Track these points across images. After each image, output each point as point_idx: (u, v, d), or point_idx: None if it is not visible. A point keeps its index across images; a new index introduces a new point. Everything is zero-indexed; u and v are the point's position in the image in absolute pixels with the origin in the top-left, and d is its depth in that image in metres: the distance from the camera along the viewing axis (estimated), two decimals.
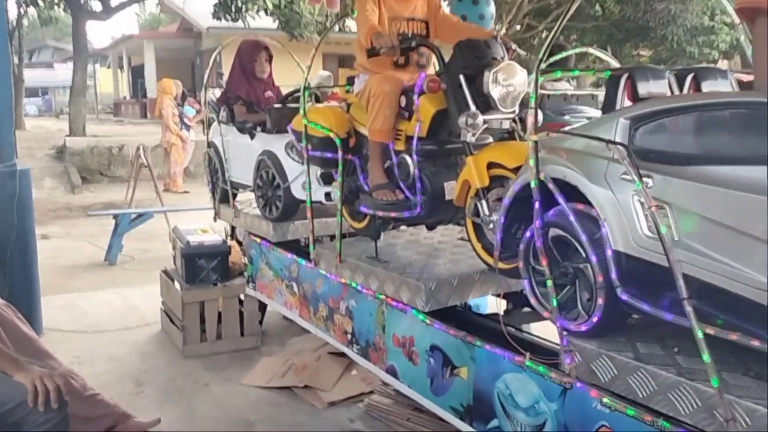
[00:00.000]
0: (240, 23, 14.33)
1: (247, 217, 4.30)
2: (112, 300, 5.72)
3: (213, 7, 14.17)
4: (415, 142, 2.82)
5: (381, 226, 3.24)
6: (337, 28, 16.06)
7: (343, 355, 3.72)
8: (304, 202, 3.63)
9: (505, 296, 3.12)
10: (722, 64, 24.23)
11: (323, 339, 3.68)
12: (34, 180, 4.98)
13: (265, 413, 3.71)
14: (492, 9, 4.18)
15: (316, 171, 3.49)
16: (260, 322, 4.74)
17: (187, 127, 11.68)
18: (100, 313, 5.38)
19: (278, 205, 3.92)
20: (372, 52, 2.82)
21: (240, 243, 4.81)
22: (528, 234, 2.22)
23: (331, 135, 3.21)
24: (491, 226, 2.52)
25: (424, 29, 3.19)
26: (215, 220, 4.86)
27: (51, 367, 2.82)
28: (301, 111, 3.31)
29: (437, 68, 2.89)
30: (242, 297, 4.60)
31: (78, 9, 15.05)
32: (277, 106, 4.21)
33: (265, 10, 13.94)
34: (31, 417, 2.21)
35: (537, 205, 2.10)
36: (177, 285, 4.66)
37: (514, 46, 2.87)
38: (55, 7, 15.97)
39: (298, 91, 4.24)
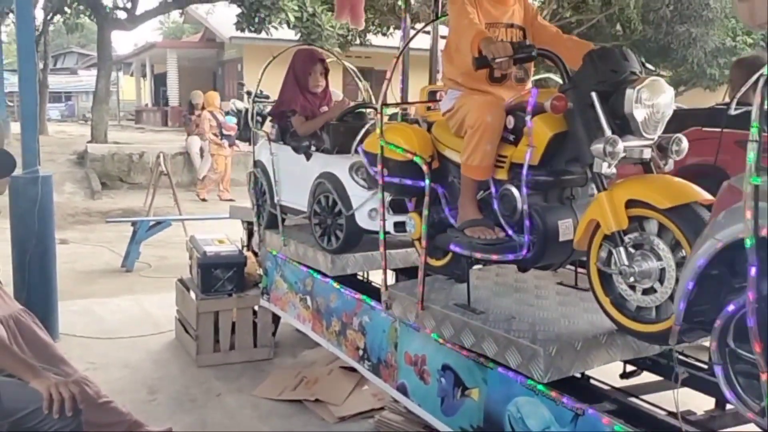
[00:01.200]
0: (262, 34, 14.49)
1: (299, 247, 3.91)
2: (127, 306, 5.77)
3: (236, 18, 14.33)
4: (524, 171, 2.40)
5: (469, 267, 2.79)
6: (358, 41, 16.19)
7: (355, 370, 3.73)
8: (368, 232, 3.44)
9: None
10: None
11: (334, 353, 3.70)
12: (54, 185, 5.05)
13: (276, 425, 3.72)
14: None
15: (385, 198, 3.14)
16: (273, 334, 4.76)
17: (227, 136, 11.96)
18: (115, 319, 5.43)
19: (338, 235, 3.57)
20: (481, 63, 2.40)
21: (256, 254, 4.84)
22: (731, 307, 1.72)
23: (415, 159, 2.78)
24: (632, 279, 2.13)
25: (522, 37, 2.83)
26: (260, 248, 4.44)
27: (66, 373, 2.86)
28: (378, 130, 2.88)
29: (531, 82, 2.70)
30: (256, 308, 4.62)
31: (103, 18, 15.26)
32: (335, 123, 3.91)
33: (288, 23, 14.08)
34: (45, 423, 2.24)
35: (753, 271, 1.56)
36: (192, 294, 4.70)
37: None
38: (81, 15, 16.18)
39: (360, 106, 4.15)
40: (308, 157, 3.90)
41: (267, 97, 7.86)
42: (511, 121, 2.52)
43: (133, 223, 7.30)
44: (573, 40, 2.80)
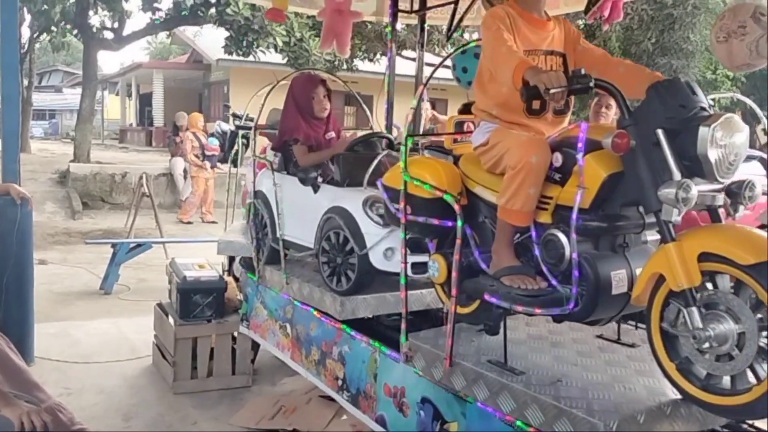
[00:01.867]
0: (250, 57, 14.55)
1: (303, 286, 3.63)
2: (105, 330, 5.69)
3: (225, 41, 14.39)
4: (573, 215, 2.15)
5: (503, 318, 2.53)
6: (345, 66, 16.29)
7: (333, 399, 3.69)
8: (383, 273, 3.21)
9: None
10: None
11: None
12: (35, 204, 5.00)
13: None
14: None
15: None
16: (252, 361, 4.71)
17: (209, 158, 11.90)
18: (92, 342, 5.34)
19: (350, 276, 3.30)
20: (531, 94, 2.16)
21: (236, 279, 4.80)
22: None
23: (446, 197, 2.54)
24: (706, 344, 1.90)
25: (561, 65, 2.60)
26: (258, 284, 4.16)
27: (40, 399, 2.80)
28: (402, 163, 2.65)
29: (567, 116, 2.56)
30: (236, 334, 4.57)
31: (90, 38, 15.26)
32: (345, 153, 3.71)
33: (275, 47, 14.15)
34: None
35: None
36: (170, 319, 4.64)
37: None
38: (68, 34, 16.17)
39: (374, 134, 3.98)
40: (316, 189, 3.63)
41: (252, 119, 7.90)
42: (558, 159, 2.27)
43: (113, 245, 7.23)
44: (625, 65, 2.51)
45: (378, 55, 15.29)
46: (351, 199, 3.35)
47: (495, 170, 2.51)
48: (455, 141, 3.02)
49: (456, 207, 2.54)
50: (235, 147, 6.39)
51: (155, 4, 14.31)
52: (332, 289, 3.39)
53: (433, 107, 6.14)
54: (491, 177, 2.54)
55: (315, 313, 3.54)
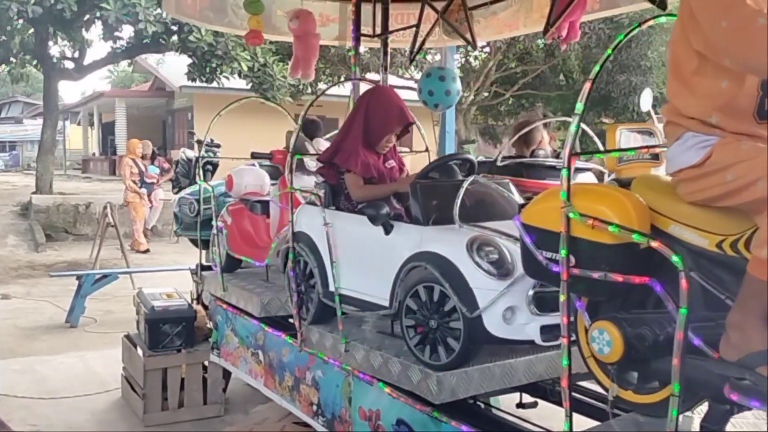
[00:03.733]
0: (213, 84, 14.52)
1: (373, 355, 2.85)
2: (72, 364, 5.57)
3: (187, 68, 14.34)
4: None
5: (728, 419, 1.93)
6: (309, 89, 16.36)
7: (307, 425, 3.66)
8: (501, 341, 2.47)
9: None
10: None
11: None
12: None
13: None
14: (458, 85, 4.26)
15: (525, 291, 2.39)
16: (224, 390, 4.65)
17: (147, 185, 11.74)
18: (59, 378, 5.23)
19: (452, 346, 2.50)
20: None
21: (206, 307, 4.75)
22: None
23: (634, 237, 1.83)
24: None
25: None
26: (300, 349, 3.36)
27: None
28: (563, 193, 1.93)
29: None
30: (206, 363, 4.52)
31: (50, 68, 15.09)
32: (423, 182, 2.95)
33: (239, 73, 14.15)
34: None
35: None
36: (139, 351, 4.57)
37: None
38: (27, 65, 15.97)
39: (453, 157, 3.35)
40: (389, 229, 2.83)
41: (218, 145, 7.86)
42: None
43: (78, 277, 7.09)
44: None
45: (342, 78, 15.40)
46: (448, 242, 2.58)
47: (719, 202, 1.81)
48: (620, 161, 2.29)
49: (666, 251, 1.77)
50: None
51: (116, 33, 14.21)
52: (423, 362, 2.60)
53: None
54: (701, 212, 1.87)
55: (286, 338, 3.51)
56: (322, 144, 4.73)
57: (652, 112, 3.36)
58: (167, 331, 4.43)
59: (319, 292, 3.17)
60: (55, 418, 4.43)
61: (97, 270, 7.98)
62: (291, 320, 3.53)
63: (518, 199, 2.89)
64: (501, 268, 2.46)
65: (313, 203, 3.29)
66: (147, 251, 11.39)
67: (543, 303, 2.41)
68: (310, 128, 5.03)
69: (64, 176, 23.46)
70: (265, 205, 4.27)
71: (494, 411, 3.05)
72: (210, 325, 4.53)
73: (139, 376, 4.46)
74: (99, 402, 4.77)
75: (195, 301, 5.05)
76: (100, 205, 11.35)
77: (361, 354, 2.93)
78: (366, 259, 2.97)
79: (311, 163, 3.90)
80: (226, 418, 4.49)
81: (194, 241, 5.76)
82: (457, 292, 2.46)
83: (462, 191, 2.66)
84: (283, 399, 3.58)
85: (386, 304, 2.81)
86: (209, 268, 4.66)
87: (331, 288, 3.09)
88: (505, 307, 2.42)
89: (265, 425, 4.19)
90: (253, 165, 4.79)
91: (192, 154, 11.61)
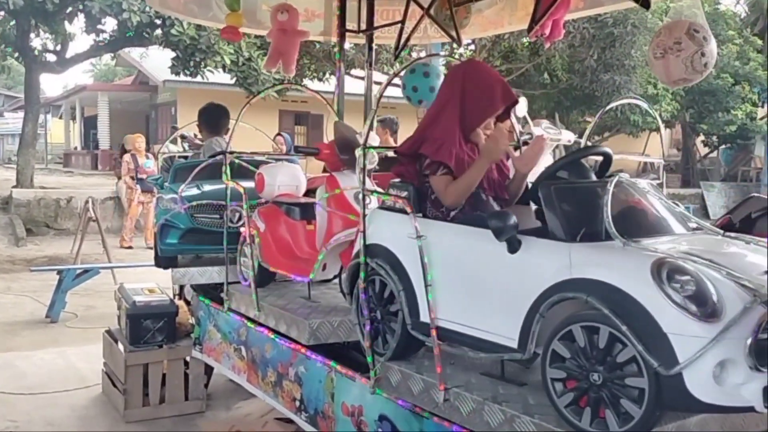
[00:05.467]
0: (197, 78, 14.43)
1: (491, 410, 2.20)
2: (52, 360, 5.52)
3: (171, 62, 14.23)
4: None
5: None
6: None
7: (290, 420, 3.65)
8: (706, 407, 1.84)
9: None
10: (665, 133, 25.31)
11: (270, 404, 3.61)
12: None
13: None
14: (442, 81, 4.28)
15: (742, 339, 1.78)
16: (206, 386, 4.63)
17: (140, 181, 11.64)
18: (39, 373, 5.18)
19: (630, 411, 1.86)
20: None
21: (188, 303, 4.73)
22: None
23: None
24: None
25: None
26: (372, 392, 2.70)
27: None
28: None
29: None
30: (188, 359, 4.50)
31: (32, 60, 14.90)
32: (548, 183, 2.24)
33: (223, 67, 14.06)
34: None
35: None
36: (120, 346, 4.54)
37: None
38: (8, 57, 15.77)
39: (588, 151, 2.70)
40: (515, 246, 2.16)
41: (201, 140, 7.80)
42: None
43: (59, 272, 7.04)
44: None
45: (327, 75, 15.36)
46: (619, 267, 1.94)
47: None
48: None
49: None
50: None
51: (99, 26, 14.05)
52: (577, 428, 1.98)
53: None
54: None
55: (269, 333, 3.51)
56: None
57: (528, 118, 3.47)
58: (149, 326, 4.41)
59: (406, 322, 2.50)
60: (35, 414, 4.40)
61: (79, 265, 7.92)
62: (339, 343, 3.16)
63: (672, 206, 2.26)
64: (704, 306, 1.80)
65: (389, 209, 2.68)
66: (130, 248, 11.32)
67: (762, 354, 1.80)
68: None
69: (46, 170, 23.22)
70: (305, 208, 3.63)
71: None
72: (192, 320, 4.51)
73: (120, 372, 4.43)
74: (79, 398, 4.74)
75: (177, 297, 5.02)
76: (81, 199, 11.28)
77: (469, 406, 2.27)
78: (479, 283, 2.30)
79: None
80: (208, 414, 4.48)
81: (173, 260, 4.64)
82: (642, 338, 1.81)
83: (609, 196, 2.02)
84: (266, 395, 3.57)
85: (512, 344, 2.16)
86: (217, 287, 4.28)
87: (424, 318, 2.43)
88: (715, 362, 1.77)
89: (246, 421, 4.19)
90: (291, 160, 4.32)
91: (175, 149, 11.55)
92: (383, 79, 11.09)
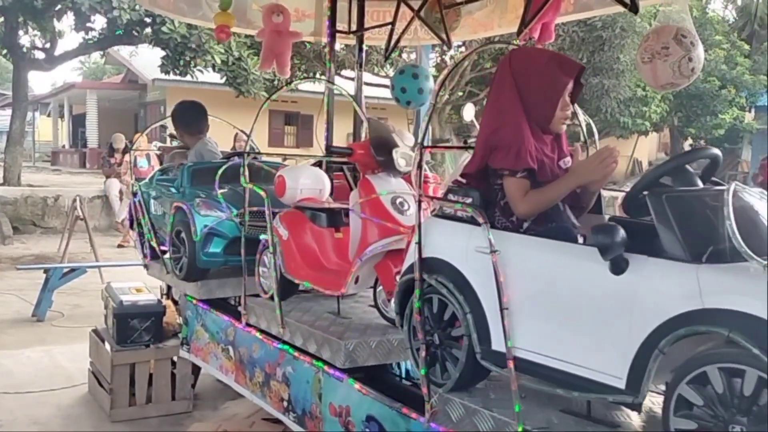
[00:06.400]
0: (187, 77, 14.39)
1: None
2: (38, 359, 5.48)
3: (161, 60, 14.19)
4: None
5: None
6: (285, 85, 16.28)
7: (277, 421, 3.65)
8: None
9: None
10: (653, 136, 25.45)
11: (258, 404, 3.61)
12: None
13: None
14: (431, 84, 4.27)
15: None
16: (193, 386, 4.62)
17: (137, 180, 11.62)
18: (25, 372, 5.14)
19: None
20: None
21: (176, 302, 4.71)
22: None
23: None
24: None
25: None
26: (427, 427, 2.37)
27: None
28: None
29: None
30: (175, 359, 4.48)
31: (20, 58, 14.83)
32: (659, 190, 1.91)
33: (213, 66, 14.04)
34: None
35: None
36: (107, 345, 4.52)
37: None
38: None
39: (694, 155, 2.25)
40: (621, 267, 1.82)
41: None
42: None
43: (46, 270, 7.00)
44: None
45: (317, 75, 15.37)
46: None
47: None
48: None
49: None
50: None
51: (88, 24, 13.99)
52: None
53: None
54: None
55: (257, 334, 3.50)
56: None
57: (475, 122, 3.42)
58: (136, 325, 4.39)
59: (474, 350, 2.14)
60: (20, 413, 4.37)
61: (66, 264, 7.88)
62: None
63: None
64: None
65: (450, 217, 2.31)
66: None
67: None
68: None
69: (33, 168, 23.09)
70: (332, 215, 3.32)
71: None
72: (180, 320, 4.49)
73: (106, 371, 4.41)
74: (65, 397, 4.71)
75: (165, 296, 5.01)
76: (69, 198, 11.21)
77: None
78: (570, 308, 1.93)
79: (402, 161, 2.94)
80: (195, 414, 4.47)
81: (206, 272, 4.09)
82: None
83: (729, 207, 1.66)
84: (254, 395, 3.57)
85: (618, 384, 1.81)
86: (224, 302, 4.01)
87: (497, 346, 2.07)
88: None
89: (233, 421, 4.17)
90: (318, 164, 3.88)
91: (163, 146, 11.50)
92: (374, 80, 11.11)
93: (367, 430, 2.71)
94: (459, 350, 2.21)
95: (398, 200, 2.65)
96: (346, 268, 3.00)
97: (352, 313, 3.26)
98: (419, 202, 2.28)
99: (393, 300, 2.50)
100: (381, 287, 2.98)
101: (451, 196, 2.30)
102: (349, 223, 3.12)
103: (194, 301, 4.13)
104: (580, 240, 2.09)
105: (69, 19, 13.94)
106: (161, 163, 6.09)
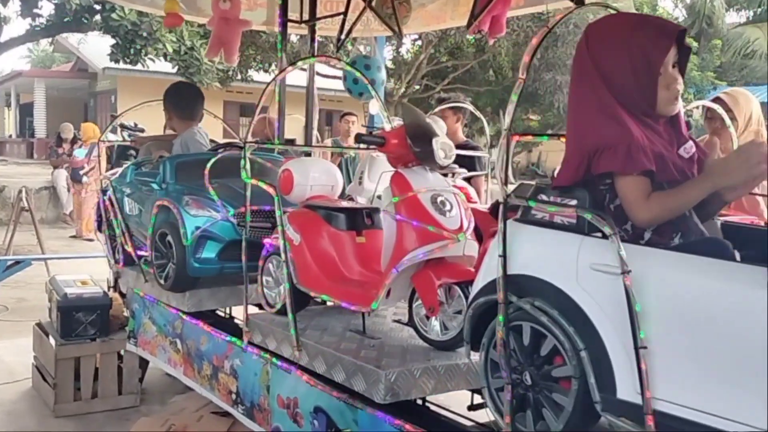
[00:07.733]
0: (138, 66, 14.10)
1: None
2: None
3: (111, 49, 13.87)
4: None
5: None
6: (239, 76, 16.10)
7: (226, 414, 3.61)
8: None
9: None
10: None
11: (207, 397, 3.57)
12: None
13: None
14: (383, 75, 4.26)
15: None
16: (140, 380, 4.55)
17: (75, 172, 11.33)
18: None
19: None
20: None
21: (123, 295, 4.62)
22: None
23: None
24: None
25: None
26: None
27: None
28: None
29: None
30: (122, 352, 4.40)
31: None
32: None
33: (165, 55, 13.78)
34: None
35: None
36: (51, 339, 4.42)
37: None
38: None
39: None
40: None
41: (142, 130, 7.61)
42: None
43: None
44: None
45: (273, 66, 15.22)
46: None
47: None
48: None
49: None
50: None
51: (35, 10, 13.58)
52: None
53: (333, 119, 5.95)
54: None
55: (204, 326, 3.45)
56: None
57: (382, 115, 3.53)
58: (81, 319, 4.30)
59: (594, 399, 1.63)
60: None
61: (10, 256, 7.66)
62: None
63: None
64: None
65: (536, 222, 1.84)
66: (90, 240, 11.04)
67: None
68: None
69: None
70: (352, 216, 2.82)
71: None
72: (126, 313, 4.41)
73: (50, 366, 4.32)
74: (8, 392, 4.61)
75: (111, 289, 4.91)
76: (15, 189, 10.91)
77: None
78: (732, 348, 1.43)
79: (441, 153, 2.47)
80: (142, 409, 4.40)
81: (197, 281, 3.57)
82: None
83: None
84: (203, 388, 3.53)
85: None
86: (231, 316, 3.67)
87: (626, 395, 1.58)
88: None
89: (182, 415, 4.12)
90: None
91: (114, 138, 11.25)
92: (328, 71, 11.04)
93: (315, 421, 2.70)
94: (563, 395, 1.71)
95: (439, 199, 2.28)
96: (374, 279, 2.54)
97: (377, 330, 2.78)
98: (505, 204, 1.81)
99: (464, 324, 2.03)
100: (418, 301, 2.49)
101: (543, 197, 1.81)
102: (376, 225, 2.76)
103: (141, 294, 4.05)
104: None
105: (15, 4, 13.51)
106: (110, 156, 5.54)
